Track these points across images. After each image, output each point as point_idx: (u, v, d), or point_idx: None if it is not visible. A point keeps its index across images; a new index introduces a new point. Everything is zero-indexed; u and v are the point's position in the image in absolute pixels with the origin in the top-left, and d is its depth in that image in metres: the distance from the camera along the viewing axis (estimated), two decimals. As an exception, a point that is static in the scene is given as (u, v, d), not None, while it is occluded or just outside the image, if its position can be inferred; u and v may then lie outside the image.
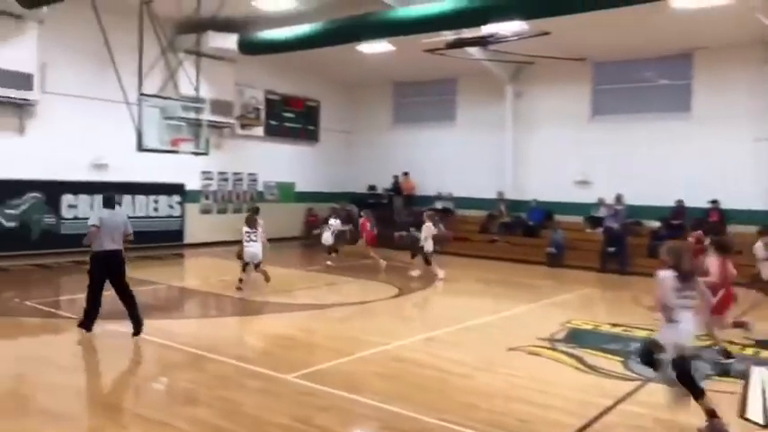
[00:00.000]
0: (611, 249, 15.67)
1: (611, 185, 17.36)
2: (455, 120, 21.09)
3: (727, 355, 7.61)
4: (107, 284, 7.90)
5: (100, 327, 8.43)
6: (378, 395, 6.02)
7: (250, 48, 16.46)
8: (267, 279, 11.81)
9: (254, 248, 11.70)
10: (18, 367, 7.00)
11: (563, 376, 7.01)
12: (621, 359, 7.60)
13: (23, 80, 13.81)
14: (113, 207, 8.35)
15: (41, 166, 14.66)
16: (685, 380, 5.28)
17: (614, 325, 9.51)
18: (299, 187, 21.44)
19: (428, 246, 13.65)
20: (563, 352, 7.89)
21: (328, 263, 15.04)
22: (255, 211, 13.03)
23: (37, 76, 14.09)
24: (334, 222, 15.61)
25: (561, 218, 17.97)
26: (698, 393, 5.28)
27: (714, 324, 7.55)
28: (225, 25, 15.80)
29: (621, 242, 15.71)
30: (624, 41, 16.00)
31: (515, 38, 13.25)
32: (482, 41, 13.41)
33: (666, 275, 5.39)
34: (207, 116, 14.71)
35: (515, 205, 19.28)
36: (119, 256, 8.09)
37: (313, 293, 12.24)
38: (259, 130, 20.07)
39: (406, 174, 21.41)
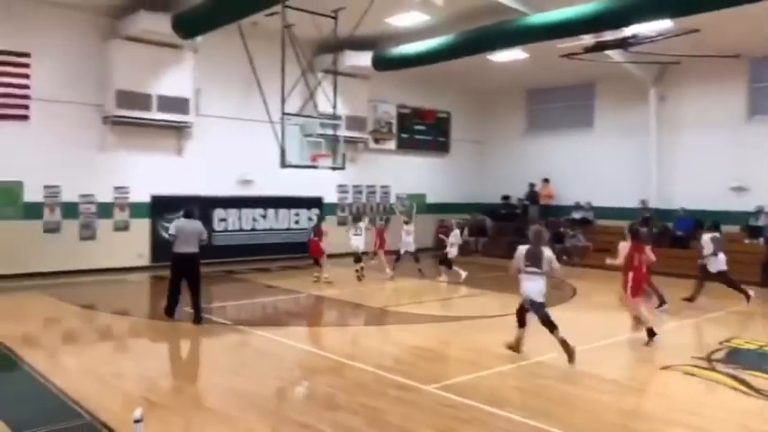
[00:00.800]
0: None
1: (775, 192, 15.80)
2: (593, 126, 20.22)
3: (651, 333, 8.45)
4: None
5: (249, 332, 9.02)
6: (521, 410, 5.86)
7: (383, 64, 16.86)
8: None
9: (356, 241, 14.24)
10: (179, 367, 7.62)
11: (725, 399, 6.44)
12: (794, 384, 6.85)
13: (181, 105, 15.13)
14: (191, 218, 9.73)
15: (195, 183, 15.92)
16: (545, 319, 7.58)
17: (784, 345, 8.62)
18: (431, 199, 21.53)
19: (453, 252, 14.62)
20: (723, 373, 7.26)
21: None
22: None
23: (192, 101, 15.34)
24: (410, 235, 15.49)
25: (714, 227, 16.53)
26: (551, 328, 7.53)
27: (629, 306, 8.88)
28: (360, 44, 16.34)
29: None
30: (787, 33, 14.52)
31: (660, 37, 12.44)
32: (624, 43, 12.71)
33: (521, 248, 7.57)
34: (343, 132, 15.24)
35: (661, 214, 18.08)
36: (193, 258, 9.50)
37: (447, 305, 12.24)
38: (391, 144, 20.50)
39: (546, 180, 20.71)
